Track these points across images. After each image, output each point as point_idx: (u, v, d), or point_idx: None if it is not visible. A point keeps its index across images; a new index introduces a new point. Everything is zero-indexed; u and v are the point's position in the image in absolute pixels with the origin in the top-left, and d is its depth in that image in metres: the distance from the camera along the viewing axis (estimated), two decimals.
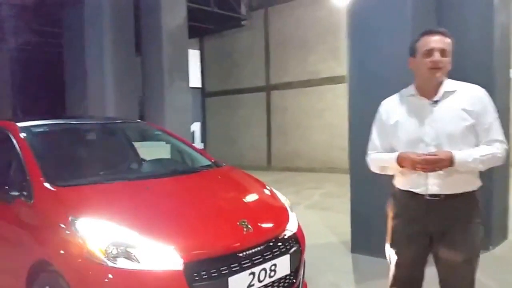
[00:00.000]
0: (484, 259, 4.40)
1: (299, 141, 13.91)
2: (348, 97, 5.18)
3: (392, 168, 2.60)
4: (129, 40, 9.95)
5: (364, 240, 5.08)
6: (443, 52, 2.43)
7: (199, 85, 16.70)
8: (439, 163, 2.34)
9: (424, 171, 2.40)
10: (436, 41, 2.43)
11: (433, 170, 2.37)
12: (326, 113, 12.92)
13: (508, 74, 5.32)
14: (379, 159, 2.68)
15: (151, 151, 4.79)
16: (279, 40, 14.31)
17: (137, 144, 5.05)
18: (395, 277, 2.72)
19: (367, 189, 4.91)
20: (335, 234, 6.13)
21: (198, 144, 16.35)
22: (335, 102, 12.11)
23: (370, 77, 4.92)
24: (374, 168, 2.74)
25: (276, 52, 14.44)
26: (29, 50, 14.87)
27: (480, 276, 4.30)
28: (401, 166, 2.50)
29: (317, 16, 13.12)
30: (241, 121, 15.49)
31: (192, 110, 12.01)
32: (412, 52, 2.53)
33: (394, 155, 2.53)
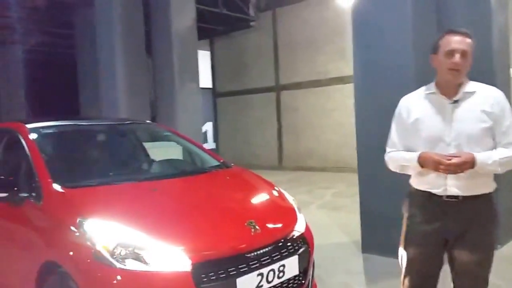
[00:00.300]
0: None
1: (311, 141, 13.89)
2: (354, 96, 5.19)
3: (412, 167, 2.56)
4: (140, 42, 9.98)
5: (374, 240, 5.05)
6: (464, 54, 2.41)
7: (209, 85, 16.74)
8: (462, 166, 2.33)
9: (447, 173, 2.38)
10: (458, 42, 2.41)
11: (456, 172, 2.35)
12: (336, 112, 12.90)
13: (508, 73, 5.30)
14: (399, 158, 2.63)
15: (163, 151, 4.79)
16: (287, 40, 14.32)
17: (148, 145, 5.06)
18: (409, 278, 2.67)
19: (376, 188, 4.91)
20: (346, 234, 6.10)
21: (211, 144, 16.40)
22: (344, 102, 12.07)
23: (374, 76, 4.94)
24: (393, 166, 2.70)
25: (285, 52, 14.44)
26: (42, 52, 14.98)
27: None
28: (422, 166, 2.48)
29: (324, 17, 13.11)
30: (252, 121, 15.50)
31: (203, 111, 12.03)
32: (435, 49, 2.51)
33: (415, 154, 2.50)
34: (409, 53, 4.65)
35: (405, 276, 2.69)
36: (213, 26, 14.74)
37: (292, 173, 13.34)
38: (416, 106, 2.60)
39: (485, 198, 2.49)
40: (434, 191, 2.50)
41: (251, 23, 14.80)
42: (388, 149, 2.72)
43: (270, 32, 14.75)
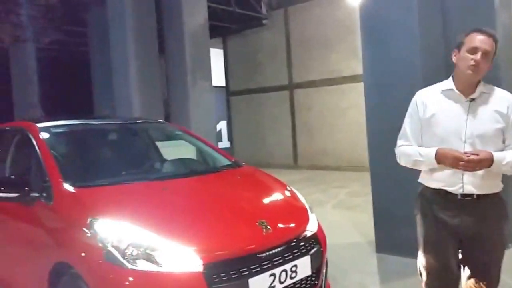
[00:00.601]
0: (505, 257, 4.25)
1: (325, 140, 13.82)
2: (364, 95, 5.19)
3: (427, 163, 2.51)
4: (152, 40, 9.98)
5: (388, 240, 5.01)
6: (485, 53, 2.40)
7: (223, 84, 16.74)
8: (482, 163, 2.32)
9: (466, 170, 2.36)
10: (483, 41, 2.40)
11: (474, 169, 2.34)
12: (350, 111, 12.81)
13: None
14: (412, 153, 2.58)
15: (177, 151, 4.76)
16: (299, 39, 14.25)
17: (163, 144, 5.03)
18: (428, 279, 2.63)
19: (388, 187, 4.90)
20: (361, 234, 6.04)
21: (225, 143, 16.40)
22: (358, 101, 11.87)
23: (383, 75, 4.96)
24: (405, 161, 2.65)
25: (298, 51, 14.36)
26: (56, 50, 15.04)
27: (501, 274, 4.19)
28: (439, 163, 2.44)
29: (336, 16, 13.04)
30: (266, 120, 15.47)
31: (217, 109, 11.99)
32: (458, 45, 2.50)
33: (432, 150, 2.47)
34: (416, 51, 4.67)
35: (425, 282, 2.65)
36: (226, 24, 14.73)
37: (307, 172, 13.29)
38: (432, 101, 2.57)
39: (496, 197, 2.51)
40: (449, 189, 2.48)
41: (264, 21, 14.74)
42: (400, 142, 2.68)
43: (283, 30, 14.69)
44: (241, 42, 16.13)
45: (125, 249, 2.62)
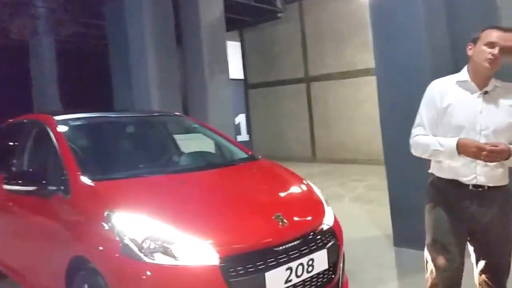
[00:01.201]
0: None
1: (342, 133, 13.75)
2: (377, 89, 5.25)
3: (447, 153, 2.48)
4: (170, 33, 9.97)
5: (405, 233, 4.98)
6: (502, 50, 2.42)
7: (241, 77, 16.71)
8: (502, 154, 2.34)
9: (486, 161, 2.37)
10: (500, 37, 2.42)
11: (495, 160, 2.36)
12: (366, 104, 12.69)
13: None
14: (431, 143, 2.54)
15: (196, 144, 4.75)
16: (315, 32, 14.20)
17: (181, 137, 5.02)
18: (435, 278, 2.63)
19: (403, 181, 4.90)
20: (379, 228, 6.00)
21: (244, 137, 16.36)
22: (373, 94, 11.78)
23: (394, 70, 5.00)
24: (420, 151, 2.62)
25: (313, 44, 14.32)
26: (75, 43, 15.10)
27: None
28: (459, 153, 2.42)
29: (349, 9, 12.98)
30: (283, 113, 15.44)
31: (236, 102, 11.93)
32: (474, 39, 2.51)
33: (453, 140, 2.44)
34: (425, 47, 4.73)
35: (434, 273, 2.64)
36: (242, 17, 14.70)
37: (325, 166, 13.23)
38: (449, 91, 2.56)
39: (504, 189, 2.54)
40: (463, 179, 2.50)
41: (279, 15, 14.69)
42: (415, 132, 2.65)
43: (298, 24, 14.64)
44: (258, 35, 16.12)
45: (142, 242, 2.62)
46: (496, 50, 2.39)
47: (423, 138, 2.60)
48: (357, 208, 7.53)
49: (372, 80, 11.80)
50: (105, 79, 12.26)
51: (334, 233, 3.22)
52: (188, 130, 5.06)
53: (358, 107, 13.10)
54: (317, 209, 3.38)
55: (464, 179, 2.49)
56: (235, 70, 14.33)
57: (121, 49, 10.45)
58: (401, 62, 4.90)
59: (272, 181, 3.79)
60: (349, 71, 13.27)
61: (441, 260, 2.58)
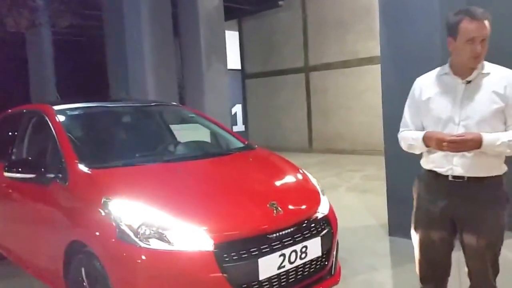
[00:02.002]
0: None
1: (341, 123, 13.74)
2: (381, 77, 5.13)
3: (418, 147, 2.56)
4: (167, 23, 9.94)
5: (401, 223, 4.94)
6: (483, 41, 2.37)
7: (238, 66, 16.69)
8: (465, 144, 2.30)
9: (450, 151, 2.37)
10: (479, 29, 2.35)
11: (459, 150, 2.34)
12: (366, 94, 12.69)
13: None
14: (407, 137, 2.63)
15: (192, 134, 4.80)
16: (316, 20, 14.08)
17: (177, 127, 5.08)
18: (420, 261, 2.71)
19: (402, 171, 4.83)
20: (374, 217, 6.06)
21: (240, 127, 16.38)
22: (375, 83, 11.72)
23: (401, 56, 4.88)
24: (403, 146, 2.70)
25: (314, 32, 14.21)
26: (72, 33, 15.12)
27: None
28: (427, 146, 2.48)
29: None
30: (281, 103, 15.42)
31: (232, 92, 11.90)
32: (452, 33, 2.43)
33: (421, 133, 2.51)
34: (437, 33, 4.52)
35: (418, 261, 2.72)
36: (241, 6, 14.60)
37: (322, 156, 13.28)
38: (429, 85, 2.59)
39: (492, 181, 2.45)
40: (439, 170, 2.51)
41: (280, 3, 14.54)
42: (401, 129, 2.73)
43: (299, 11, 14.51)
44: (257, 24, 16.02)
45: (138, 228, 2.69)
46: (478, 47, 2.35)
47: (404, 133, 2.68)
48: (352, 197, 7.58)
49: (374, 69, 11.82)
50: (102, 69, 12.28)
51: (329, 222, 3.29)
52: (184, 120, 5.13)
53: (358, 97, 13.06)
54: (312, 197, 3.44)
55: (441, 170, 2.50)
56: (233, 60, 14.28)
57: (118, 39, 10.43)
58: (410, 48, 4.74)
59: (267, 170, 3.85)
60: (350, 60, 13.19)
61: (423, 251, 2.66)
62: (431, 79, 2.60)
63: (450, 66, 2.52)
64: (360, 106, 13.00)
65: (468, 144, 2.30)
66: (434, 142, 2.39)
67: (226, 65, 10.21)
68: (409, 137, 2.61)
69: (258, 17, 15.71)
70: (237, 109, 16.84)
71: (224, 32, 10.29)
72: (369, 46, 12.27)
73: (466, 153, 2.38)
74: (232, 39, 15.30)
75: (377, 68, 5.24)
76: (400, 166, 4.85)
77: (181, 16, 10.21)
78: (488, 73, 2.45)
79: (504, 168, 2.49)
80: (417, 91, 2.64)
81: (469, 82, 2.45)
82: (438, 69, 2.62)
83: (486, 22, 2.36)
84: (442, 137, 2.34)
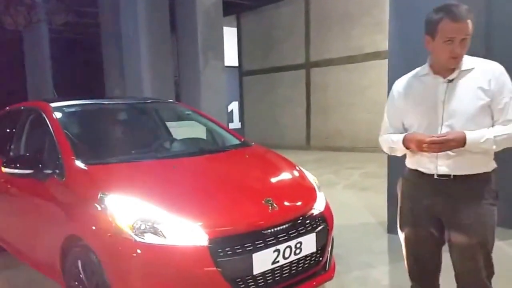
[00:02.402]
0: None
1: (341, 120, 13.69)
2: (388, 72, 5.01)
3: (399, 149, 2.55)
4: (164, 18, 9.96)
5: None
6: (463, 40, 2.30)
7: (235, 63, 16.68)
8: (447, 144, 2.27)
9: (432, 152, 2.34)
10: (460, 30, 2.27)
11: (440, 150, 2.31)
12: (369, 90, 12.58)
13: None
14: (387, 140, 2.62)
15: (189, 130, 4.83)
16: (320, 13, 13.92)
17: (174, 124, 5.11)
18: (407, 258, 2.70)
19: (404, 169, 4.83)
20: (373, 215, 6.08)
21: (236, 124, 16.39)
22: (380, 79, 11.61)
23: (411, 51, 4.65)
24: (385, 149, 2.69)
25: (317, 27, 14.08)
26: (69, 31, 15.18)
27: None
28: (408, 148, 2.46)
29: None
30: (279, 101, 15.40)
31: (229, 90, 11.86)
32: (431, 32, 2.36)
33: (401, 136, 2.49)
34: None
35: (406, 258, 2.71)
36: (240, 1, 14.52)
37: (320, 153, 13.29)
38: (408, 87, 2.56)
39: (479, 178, 2.40)
40: (424, 170, 2.48)
41: None
42: (381, 132, 2.71)
43: (302, 5, 14.35)
44: (256, 20, 15.89)
45: (134, 223, 2.72)
46: (456, 47, 2.28)
47: (385, 136, 2.66)
48: (351, 195, 7.59)
49: (380, 64, 11.70)
50: (99, 66, 12.33)
51: (325, 218, 3.32)
52: (181, 117, 5.16)
53: (360, 93, 12.94)
54: (308, 194, 3.47)
55: (426, 170, 2.46)
56: (230, 57, 14.26)
57: (114, 35, 10.45)
58: (419, 44, 4.62)
59: (264, 167, 3.88)
60: (354, 56, 13.03)
61: (410, 253, 2.68)
62: (411, 81, 2.56)
63: (430, 66, 2.47)
64: (363, 102, 12.91)
65: (451, 144, 2.27)
66: (414, 144, 2.37)
67: (223, 62, 10.21)
68: (390, 140, 2.59)
69: (258, 12, 15.59)
70: (234, 106, 16.86)
71: (222, 29, 10.28)
72: (376, 40, 12.07)
73: (450, 152, 2.33)
74: (229, 35, 15.27)
75: (383, 63, 5.16)
76: (403, 163, 4.87)
77: (178, 11, 10.20)
78: (471, 69, 2.38)
79: (492, 165, 2.45)
80: (396, 94, 2.61)
81: (451, 80, 2.39)
82: (417, 69, 2.58)
83: (468, 22, 2.28)
84: (422, 138, 2.31)
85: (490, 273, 2.48)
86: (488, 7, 4.69)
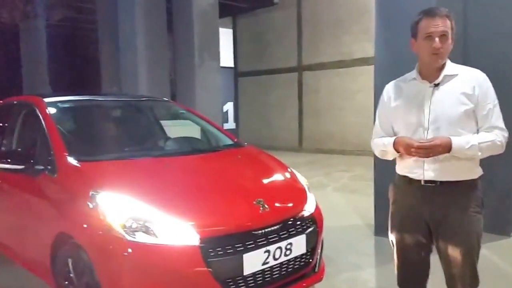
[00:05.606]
0: (505, 245, 4.30)
1: (332, 123, 13.78)
2: (374, 77, 5.12)
3: (390, 153, 2.57)
4: (161, 19, 9.94)
5: (387, 223, 5.01)
6: (443, 36, 2.36)
7: (231, 64, 16.69)
8: (434, 149, 2.29)
9: (419, 156, 2.36)
10: (436, 25, 2.34)
11: (428, 155, 2.33)
12: (359, 94, 12.72)
13: None
14: (379, 144, 2.65)
15: (183, 130, 4.83)
16: (311, 19, 14.11)
17: (169, 123, 5.10)
18: (397, 264, 2.71)
19: (391, 171, 4.84)
20: (361, 217, 6.12)
21: (231, 125, 16.38)
22: (369, 84, 11.71)
23: (395, 58, 4.79)
24: (376, 153, 2.71)
25: (309, 32, 14.25)
26: (66, 27, 15.10)
27: (500, 262, 4.24)
28: (398, 151, 2.49)
29: None
30: (273, 102, 15.45)
31: (224, 90, 11.86)
32: (414, 34, 2.45)
33: (392, 139, 2.52)
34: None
35: (396, 263, 2.72)
36: (236, 3, 14.58)
37: (312, 156, 13.33)
38: (397, 92, 2.60)
39: (465, 185, 2.42)
40: (412, 175, 2.49)
41: (275, 0, 14.52)
42: (373, 136, 2.74)
43: (294, 10, 14.53)
44: (252, 22, 16.02)
45: (125, 221, 2.71)
46: (436, 42, 2.33)
47: (376, 140, 2.68)
48: (340, 197, 7.64)
49: (369, 70, 11.76)
50: (95, 63, 12.28)
51: (315, 220, 3.34)
52: (175, 116, 5.15)
53: (351, 97, 13.09)
54: (299, 196, 3.48)
55: (412, 175, 2.48)
56: (226, 58, 14.27)
57: (111, 33, 10.41)
58: (405, 50, 4.66)
59: (256, 168, 3.89)
60: (344, 60, 13.22)
61: (400, 258, 2.68)
62: (400, 85, 2.61)
63: (418, 71, 2.52)
64: (353, 106, 13.04)
65: (437, 149, 2.29)
66: (403, 148, 2.40)
67: (219, 62, 10.21)
68: (381, 143, 2.61)
69: (253, 15, 15.71)
70: (229, 107, 16.86)
71: (218, 30, 10.29)
72: (364, 46, 12.28)
73: (436, 157, 2.35)
74: (225, 36, 15.30)
75: (371, 69, 5.23)
76: (389, 167, 4.88)
77: (175, 12, 10.19)
78: (455, 75, 2.43)
79: (478, 172, 2.47)
80: (386, 97, 2.64)
81: (436, 85, 2.44)
82: (407, 74, 2.62)
83: (446, 19, 2.35)
84: (411, 142, 2.34)
85: (475, 283, 2.49)
86: (464, 19, 4.78)
